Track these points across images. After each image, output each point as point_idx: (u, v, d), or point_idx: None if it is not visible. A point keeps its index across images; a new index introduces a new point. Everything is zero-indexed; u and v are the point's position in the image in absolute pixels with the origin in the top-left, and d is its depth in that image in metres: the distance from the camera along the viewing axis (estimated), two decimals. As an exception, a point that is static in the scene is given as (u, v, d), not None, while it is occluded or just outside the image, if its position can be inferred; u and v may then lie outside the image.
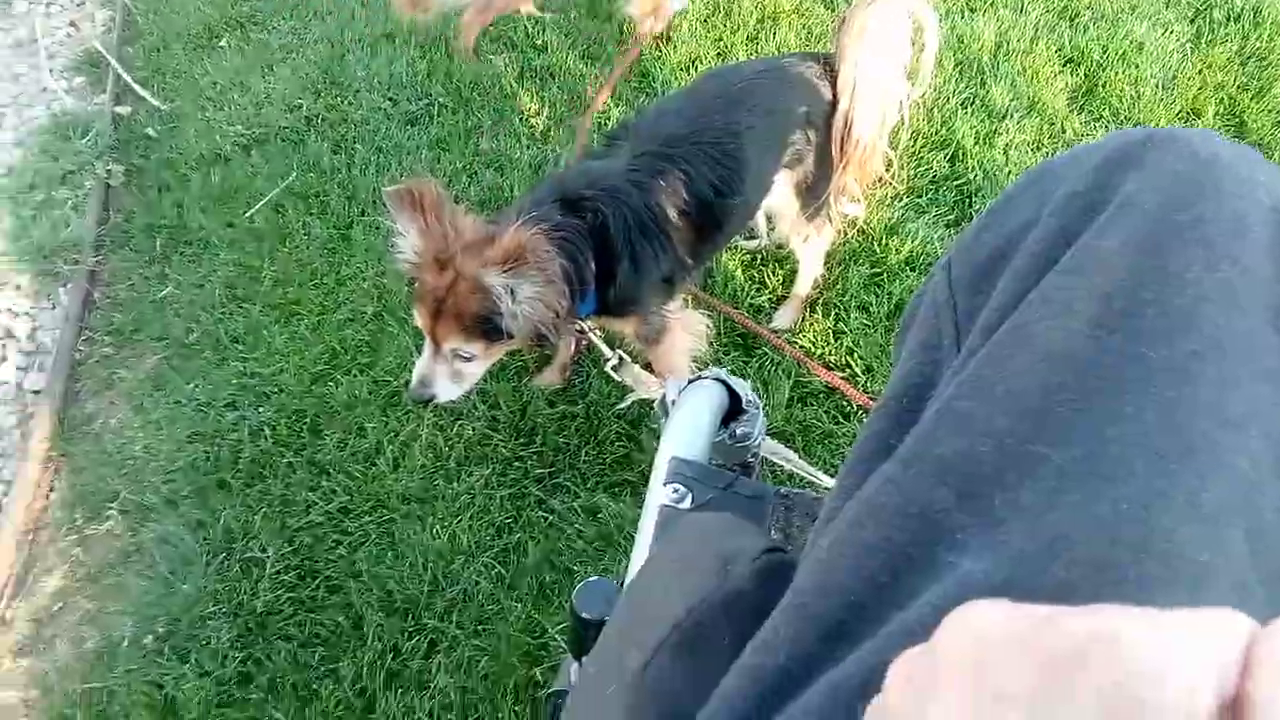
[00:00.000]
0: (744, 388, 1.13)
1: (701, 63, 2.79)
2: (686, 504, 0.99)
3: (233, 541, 1.79)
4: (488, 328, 1.51)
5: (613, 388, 1.97)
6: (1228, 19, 2.92)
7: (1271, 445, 0.52)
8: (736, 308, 2.23)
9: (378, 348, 2.09)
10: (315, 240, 2.32)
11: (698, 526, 0.89)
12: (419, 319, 1.54)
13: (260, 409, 2.01)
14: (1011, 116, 2.59)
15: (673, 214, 1.70)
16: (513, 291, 1.47)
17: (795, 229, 2.05)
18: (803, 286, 2.20)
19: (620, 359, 1.72)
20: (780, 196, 1.97)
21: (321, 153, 2.55)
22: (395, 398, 2.01)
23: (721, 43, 2.85)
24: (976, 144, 2.53)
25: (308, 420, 1.97)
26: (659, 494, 0.99)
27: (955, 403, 0.57)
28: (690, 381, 1.11)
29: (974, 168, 2.47)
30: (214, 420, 2.02)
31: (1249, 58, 2.79)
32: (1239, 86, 2.69)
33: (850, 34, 1.78)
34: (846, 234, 2.31)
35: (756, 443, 1.13)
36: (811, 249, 2.11)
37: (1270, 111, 2.63)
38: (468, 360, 1.60)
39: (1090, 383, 0.54)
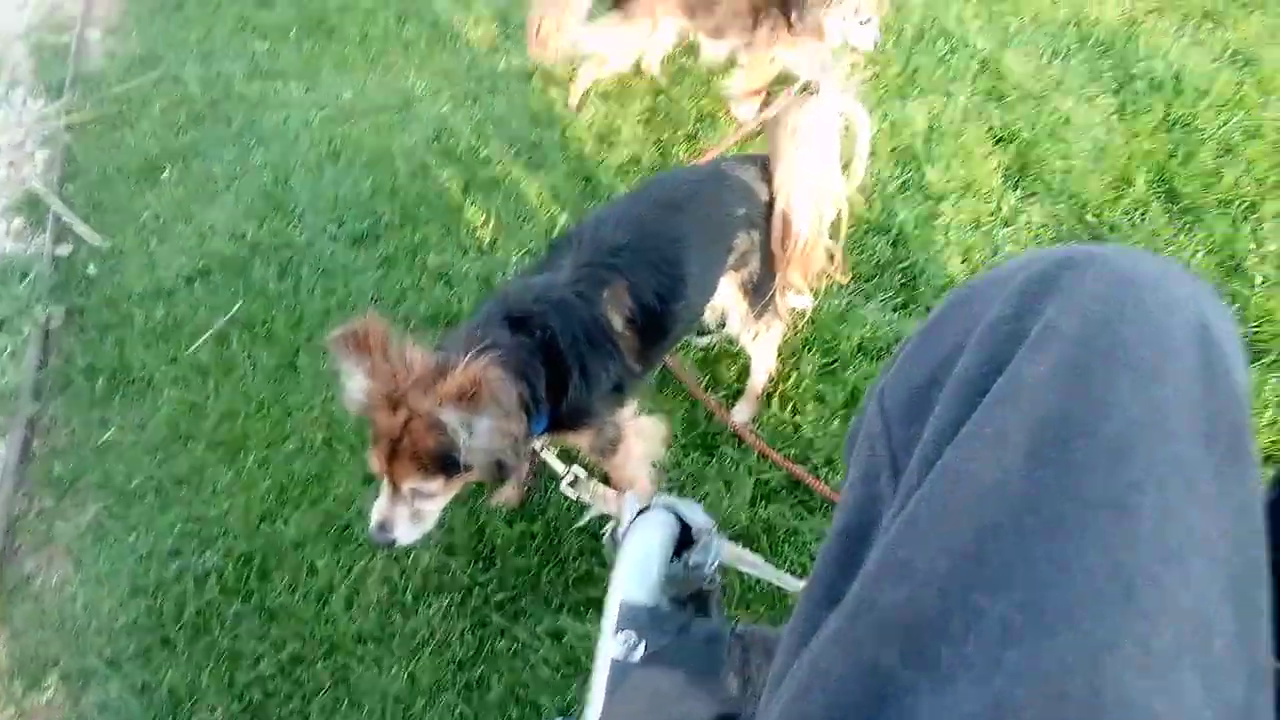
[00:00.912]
0: (695, 514, 1.11)
1: (643, 163, 2.86)
2: (639, 654, 0.96)
3: (179, 704, 1.71)
4: (446, 463, 1.48)
5: (572, 502, 1.94)
6: (1150, 88, 3.05)
7: (1218, 569, 0.52)
8: (694, 406, 2.23)
9: (328, 478, 2.05)
10: (261, 370, 2.30)
11: (648, 688, 0.86)
12: (374, 462, 1.50)
13: (205, 555, 1.95)
14: (949, 198, 2.67)
15: (619, 323, 1.71)
16: (469, 426, 1.44)
17: (745, 326, 2.07)
18: (757, 381, 2.21)
19: (575, 476, 1.70)
20: (727, 297, 2.00)
21: (267, 279, 2.55)
22: (348, 530, 1.97)
23: (662, 142, 2.92)
24: (917, 227, 2.59)
25: (255, 563, 1.91)
26: (609, 644, 0.96)
27: (896, 549, 0.56)
28: (639, 513, 1.09)
29: (916, 250, 2.52)
30: (157, 571, 1.95)
31: (1174, 124, 2.91)
32: (1167, 154, 2.79)
33: (782, 135, 1.83)
34: (797, 325, 2.34)
35: (712, 568, 1.11)
36: (762, 345, 2.13)
37: (1198, 176, 2.72)
38: (428, 498, 1.56)
39: (1028, 522, 0.53)
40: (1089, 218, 2.62)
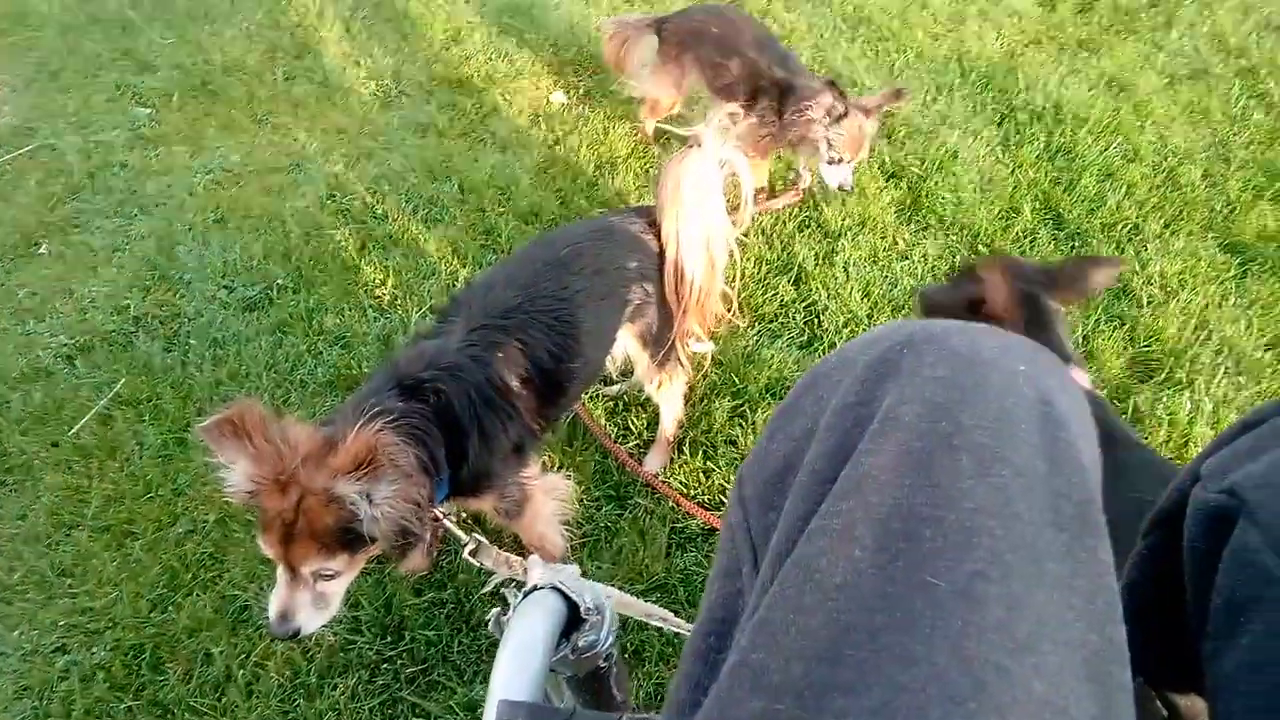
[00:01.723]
0: (583, 591, 1.10)
1: (544, 213, 2.89)
2: (521, 760, 0.95)
3: (62, 815, 1.62)
4: (348, 539, 1.46)
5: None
6: (1031, 119, 3.24)
7: (1072, 652, 0.53)
8: (605, 457, 2.24)
9: (222, 559, 2.00)
10: (148, 450, 2.23)
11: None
12: (267, 549, 1.46)
13: (93, 649, 1.87)
14: (846, 235, 2.77)
15: (514, 384, 1.72)
16: (369, 495, 1.42)
17: (649, 377, 2.10)
18: (666, 429, 2.24)
19: (478, 542, 1.69)
20: (627, 349, 2.03)
21: (152, 353, 2.49)
22: (245, 612, 1.91)
23: (562, 192, 2.97)
24: (817, 265, 2.68)
25: (146, 654, 1.84)
26: (487, 748, 0.95)
27: (750, 655, 0.56)
28: (525, 594, 1.09)
29: (818, 288, 2.60)
30: (42, 670, 1.86)
31: (1056, 153, 3.08)
32: (1051, 181, 2.96)
33: (667, 188, 1.89)
34: (703, 369, 2.38)
35: (607, 645, 1.11)
36: (668, 393, 2.16)
37: (1082, 201, 2.89)
38: (331, 578, 1.52)
39: (878, 619, 0.54)
40: (981, 248, 2.75)
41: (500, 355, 1.69)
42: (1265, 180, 2.96)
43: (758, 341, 2.48)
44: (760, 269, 2.68)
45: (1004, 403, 0.64)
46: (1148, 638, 0.93)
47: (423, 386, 1.61)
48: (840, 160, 2.67)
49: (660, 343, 2.02)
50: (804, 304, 2.60)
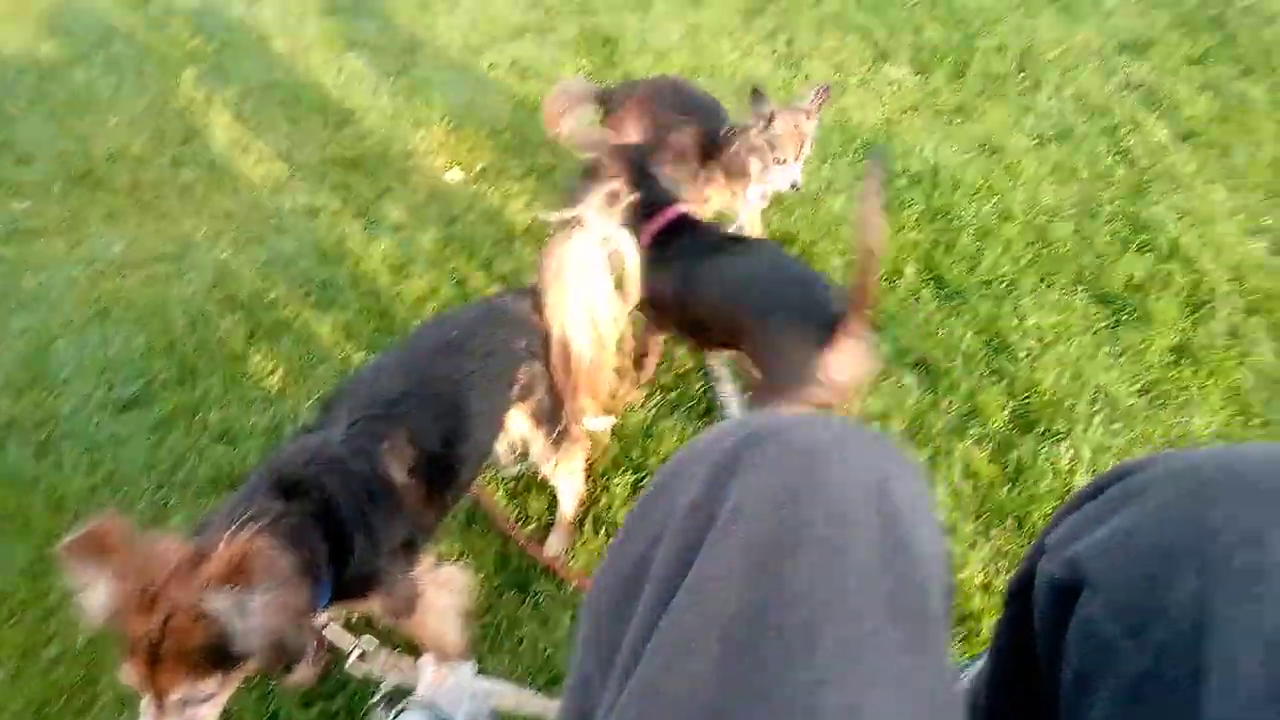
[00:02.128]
0: (457, 708, 1.07)
1: (440, 292, 2.87)
2: None
3: None
4: (220, 657, 1.37)
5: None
6: (911, 182, 3.37)
7: None
8: (506, 542, 2.20)
9: (95, 683, 1.88)
10: (14, 568, 2.10)
11: None
12: (131, 677, 1.35)
13: (-53, 794, 1.73)
14: (741, 301, 2.82)
15: (401, 475, 1.68)
16: (242, 606, 1.35)
17: (544, 457, 2.08)
18: (566, 510, 2.21)
19: (362, 649, 1.63)
20: (520, 429, 2.01)
21: (22, 461, 2.36)
22: (121, 739, 1.80)
23: (458, 270, 2.95)
24: (714, 332, 2.71)
25: (8, 796, 1.71)
26: None
27: None
28: (396, 715, 1.06)
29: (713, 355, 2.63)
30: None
31: (935, 214, 3.21)
32: (932, 242, 3.07)
33: (550, 270, 1.89)
34: (602, 445, 2.37)
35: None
36: (565, 472, 2.14)
37: (962, 260, 3.00)
38: (203, 702, 1.43)
39: None
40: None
41: (386, 446, 1.65)
42: (1130, 233, 3.13)
43: (656, 413, 2.48)
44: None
45: (842, 495, 0.66)
46: (1013, 707, 0.94)
47: (303, 484, 1.55)
48: (785, 160, 2.70)
49: (554, 421, 2.01)
50: (703, 372, 2.62)
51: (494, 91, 3.78)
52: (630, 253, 1.99)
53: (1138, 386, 2.57)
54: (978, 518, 2.25)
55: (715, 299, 2.12)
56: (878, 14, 4.35)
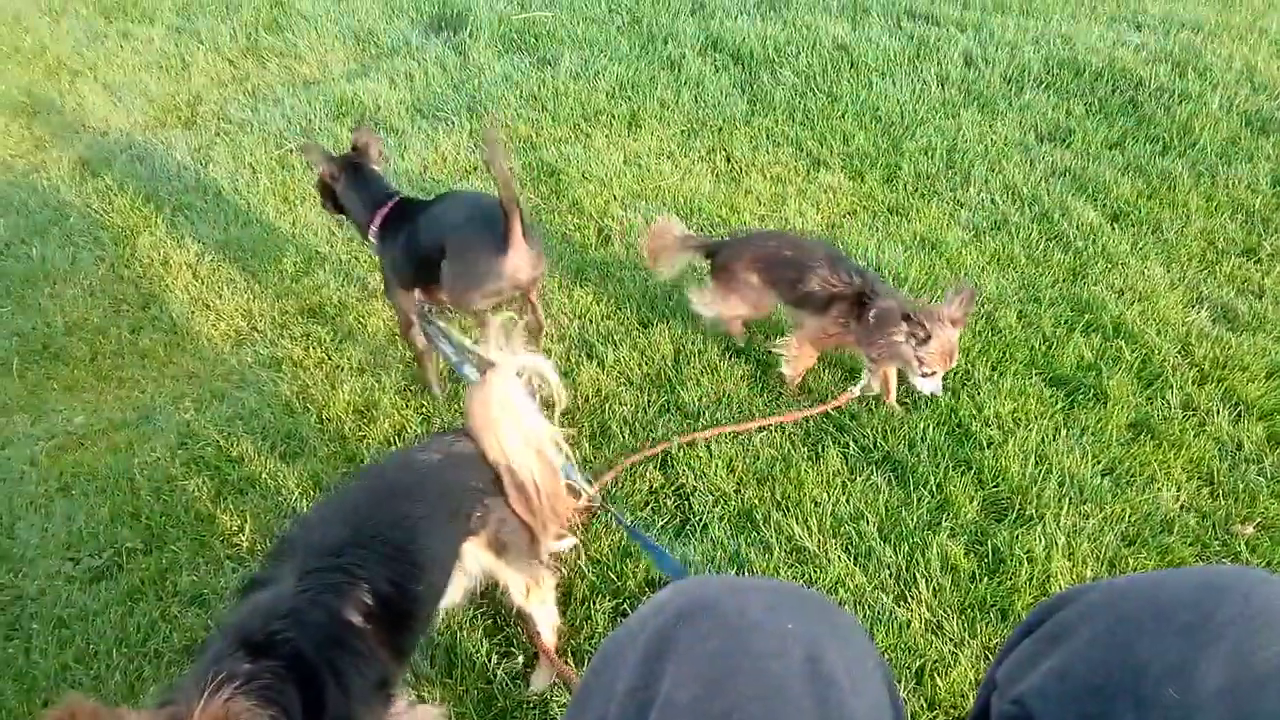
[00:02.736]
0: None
1: (407, 432, 2.91)
2: None
3: None
4: None
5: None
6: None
7: None
8: (489, 682, 2.18)
9: None
10: (-21, 762, 2.03)
11: None
12: None
13: None
14: (705, 414, 2.89)
15: (359, 620, 1.68)
16: None
17: (514, 589, 2.09)
18: (545, 641, 2.20)
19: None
20: (483, 565, 2.02)
21: (-14, 647, 2.31)
22: None
23: (425, 408, 3.00)
24: (680, 447, 2.76)
25: None
26: None
27: None
28: None
29: (683, 470, 2.68)
30: None
31: (885, 311, 3.33)
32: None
33: (477, 417, 1.95)
34: (581, 570, 2.38)
35: None
36: (538, 599, 2.14)
37: (915, 353, 3.11)
38: None
39: None
40: (835, 415, 2.90)
41: (340, 594, 1.66)
42: (1074, 314, 3.27)
43: (629, 536, 2.50)
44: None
45: (773, 667, 0.68)
46: None
47: (268, 641, 1.55)
48: (932, 374, 2.73)
49: (518, 552, 2.03)
50: (674, 488, 2.66)
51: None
52: (549, 371, 2.05)
53: (1101, 466, 2.65)
54: (961, 613, 2.26)
55: (429, 240, 2.72)
56: (808, 126, 4.60)
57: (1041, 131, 4.46)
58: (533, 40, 5.72)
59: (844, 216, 3.96)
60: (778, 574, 2.37)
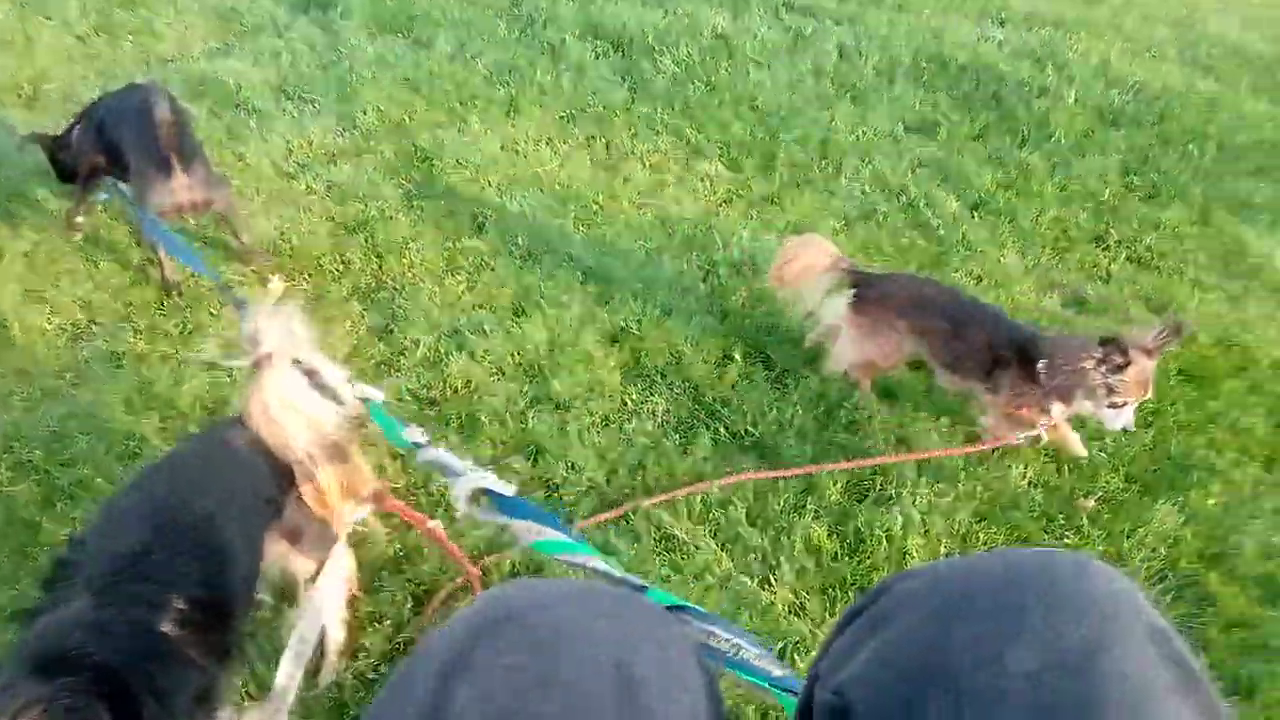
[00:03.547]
0: None
1: (263, 430, 2.76)
2: None
3: None
4: None
5: None
6: (732, 270, 3.53)
7: None
8: (341, 688, 2.08)
9: None
10: None
11: None
12: None
13: None
14: (576, 404, 2.85)
15: (173, 628, 1.58)
16: None
17: (306, 575, 2.01)
18: (334, 635, 2.08)
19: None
20: (278, 552, 1.94)
21: None
22: None
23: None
24: (553, 437, 2.71)
25: None
26: None
27: None
28: None
29: (554, 461, 2.63)
30: None
31: (757, 300, 3.37)
32: (756, 327, 3.22)
33: (255, 415, 1.82)
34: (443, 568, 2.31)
35: None
36: (326, 588, 2.03)
37: (787, 342, 3.15)
38: None
39: None
40: (706, 398, 2.91)
41: (146, 602, 1.56)
42: (936, 300, 3.37)
43: (501, 529, 2.44)
44: (495, 449, 2.68)
45: (578, 680, 0.65)
46: None
47: (69, 659, 1.43)
48: (1123, 404, 2.50)
49: (310, 537, 1.96)
50: (543, 479, 2.61)
51: (312, 215, 3.75)
52: (324, 366, 1.94)
53: (959, 443, 2.73)
54: (823, 592, 2.30)
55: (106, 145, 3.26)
56: (687, 115, 4.62)
57: (910, 123, 4.59)
58: (407, 21, 5.55)
59: (721, 205, 3.99)
60: (647, 562, 2.35)
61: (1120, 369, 2.41)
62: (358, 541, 2.22)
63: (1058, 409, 2.55)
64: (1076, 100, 4.74)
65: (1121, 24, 5.71)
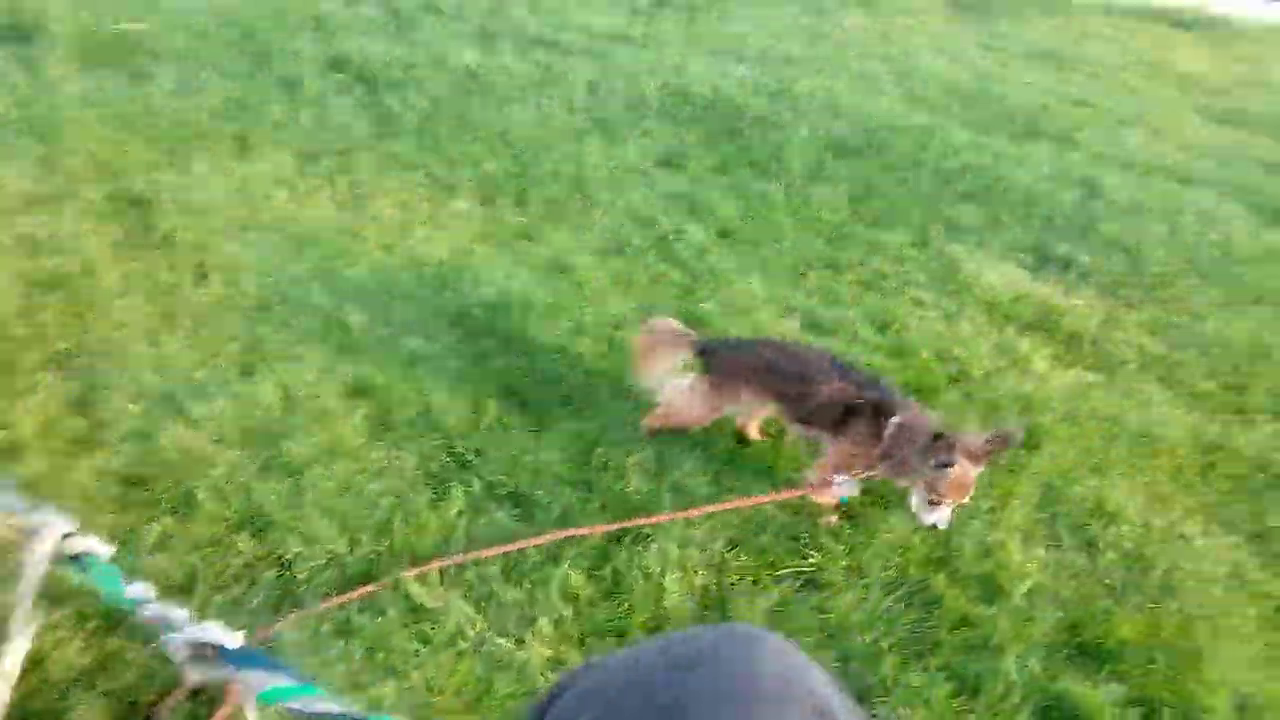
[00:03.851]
0: None
1: None
2: None
3: None
4: None
5: None
6: (487, 311, 3.44)
7: None
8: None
9: None
10: None
11: None
12: None
13: None
14: (314, 467, 2.63)
15: None
16: None
17: None
18: None
19: None
20: None
21: None
22: None
23: None
24: (284, 507, 2.49)
25: None
26: None
27: None
28: None
29: (284, 535, 2.41)
30: None
31: (512, 340, 3.29)
32: (509, 369, 3.14)
33: None
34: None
35: None
36: None
37: (542, 383, 3.09)
38: None
39: None
40: (458, 449, 2.78)
41: None
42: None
43: (218, 616, 2.19)
44: (220, 526, 2.42)
45: None
46: None
47: None
48: (940, 503, 2.47)
49: None
50: (274, 557, 2.38)
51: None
52: None
53: (708, 477, 2.78)
54: (581, 643, 2.24)
55: None
56: (437, 152, 4.50)
57: (658, 156, 4.72)
58: (124, 53, 5.07)
59: (474, 242, 3.89)
60: (394, 636, 2.19)
61: (944, 466, 2.42)
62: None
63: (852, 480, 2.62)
64: (809, 132, 5.07)
65: (844, 61, 6.20)
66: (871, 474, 2.60)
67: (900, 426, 2.53)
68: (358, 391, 2.97)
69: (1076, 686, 2.22)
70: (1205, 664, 2.32)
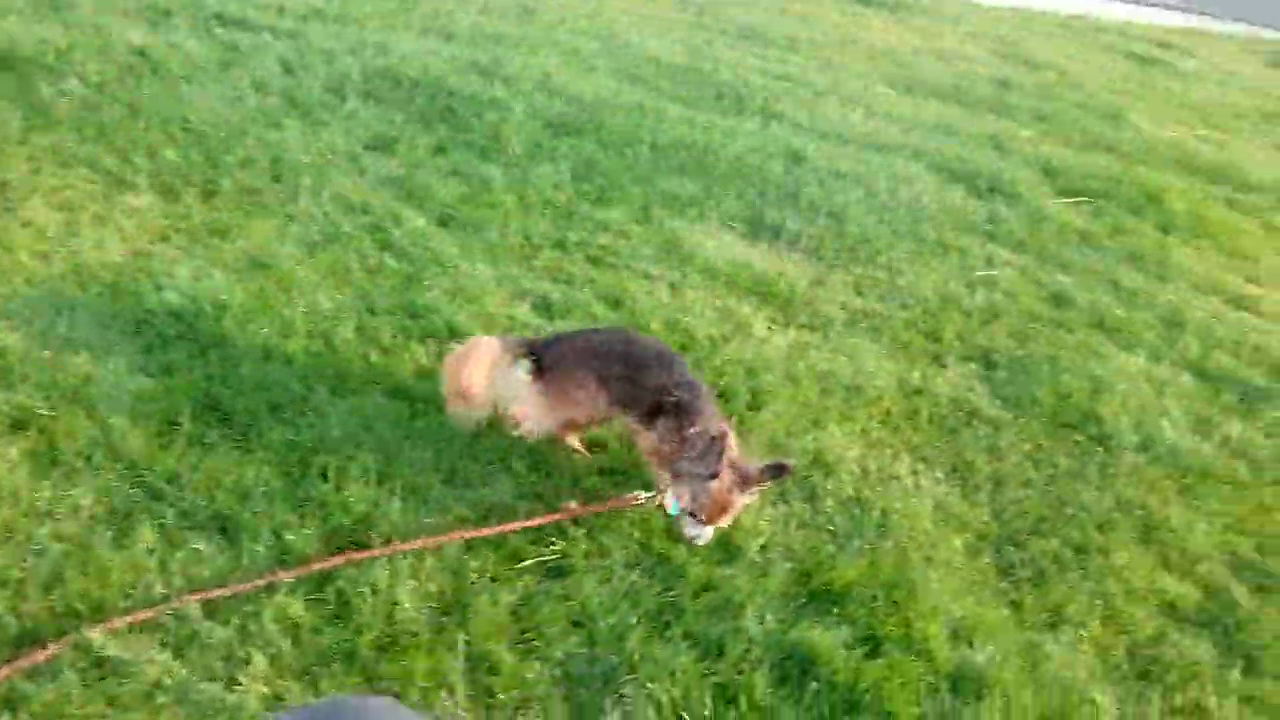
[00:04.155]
0: None
1: None
2: None
3: None
4: None
5: None
6: (173, 319, 3.06)
7: None
8: None
9: None
10: None
11: None
12: None
13: None
14: None
15: None
16: None
17: None
18: None
19: None
20: None
21: None
22: None
23: None
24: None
25: None
26: None
27: None
28: None
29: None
30: None
31: (205, 349, 2.95)
32: (208, 378, 2.81)
33: None
34: None
35: None
36: None
37: (247, 391, 2.79)
38: None
39: None
40: (147, 477, 2.44)
41: None
42: (410, 322, 3.26)
43: None
44: None
45: None
46: None
47: None
48: (698, 518, 2.44)
49: None
50: None
51: None
52: None
53: (442, 474, 2.64)
54: (304, 674, 2.04)
55: None
56: (104, 142, 3.96)
57: (367, 140, 4.45)
58: None
59: (154, 243, 3.45)
60: (71, 701, 1.88)
61: (710, 477, 2.39)
62: None
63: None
64: (525, 111, 4.99)
65: (555, 39, 6.18)
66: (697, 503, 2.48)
67: (702, 435, 2.50)
68: (15, 425, 2.52)
69: (810, 634, 2.33)
70: (920, 596, 2.52)
